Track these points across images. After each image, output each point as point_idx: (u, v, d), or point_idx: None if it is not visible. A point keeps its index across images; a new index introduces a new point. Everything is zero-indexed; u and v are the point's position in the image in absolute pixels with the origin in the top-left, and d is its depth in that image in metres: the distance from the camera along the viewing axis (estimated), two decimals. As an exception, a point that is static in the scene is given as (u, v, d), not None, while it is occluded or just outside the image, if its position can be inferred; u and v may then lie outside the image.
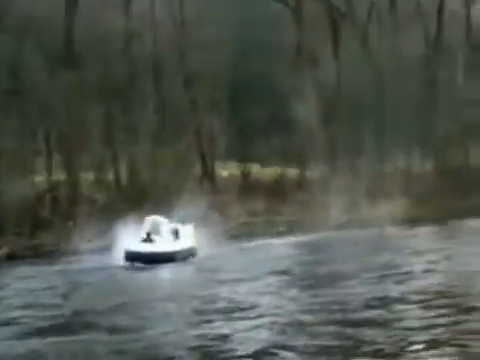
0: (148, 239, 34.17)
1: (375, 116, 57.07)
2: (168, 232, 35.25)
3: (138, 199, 48.28)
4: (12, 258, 38.25)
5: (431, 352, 15.40)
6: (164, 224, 35.28)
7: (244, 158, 56.47)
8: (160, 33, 53.09)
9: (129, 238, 34.05)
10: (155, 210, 47.04)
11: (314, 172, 56.33)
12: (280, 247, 40.33)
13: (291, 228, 48.36)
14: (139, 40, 52.60)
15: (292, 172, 56.76)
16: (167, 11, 54.51)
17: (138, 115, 51.32)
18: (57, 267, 34.79)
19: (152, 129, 51.57)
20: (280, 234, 46.92)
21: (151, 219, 35.41)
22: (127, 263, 33.25)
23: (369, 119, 56.86)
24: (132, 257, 33.16)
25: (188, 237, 36.19)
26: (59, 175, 49.23)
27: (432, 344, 16.08)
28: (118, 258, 33.56)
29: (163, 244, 34.30)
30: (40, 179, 48.90)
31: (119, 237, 35.25)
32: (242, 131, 56.57)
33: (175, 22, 54.68)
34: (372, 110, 57.34)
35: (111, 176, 50.94)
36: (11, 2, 49.34)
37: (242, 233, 47.25)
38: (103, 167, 50.89)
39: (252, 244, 42.02)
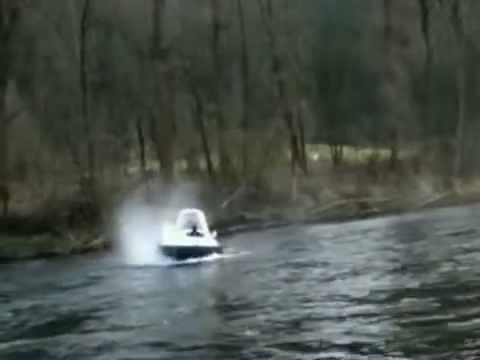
0: (195, 233, 29.99)
1: (467, 94, 55.89)
2: (205, 224, 31.14)
3: (230, 186, 48.82)
4: (107, 247, 39.01)
5: None
6: (201, 217, 31.38)
7: (334, 140, 56.27)
8: (247, 20, 53.25)
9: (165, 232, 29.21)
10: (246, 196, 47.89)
11: (406, 152, 55.62)
12: (373, 228, 39.78)
13: (384, 209, 47.95)
14: (226, 28, 52.90)
15: (384, 153, 56.20)
16: (254, -2, 54.68)
17: (226, 102, 51.75)
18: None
19: (241, 115, 51.93)
20: (373, 215, 46.54)
21: (189, 212, 31.44)
22: (170, 259, 28.05)
23: (461, 97, 55.74)
24: (181, 252, 28.23)
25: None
26: (152, 164, 50.14)
27: None
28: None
29: (209, 238, 30.21)
30: (133, 169, 49.91)
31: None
32: (332, 113, 56.36)
33: (262, 8, 54.76)
34: (464, 88, 56.17)
35: (203, 164, 51.52)
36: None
37: (334, 215, 47.27)
38: (195, 155, 51.50)
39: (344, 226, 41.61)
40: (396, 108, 53.55)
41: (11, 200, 43.11)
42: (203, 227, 30.72)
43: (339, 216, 47.13)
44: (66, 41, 49.25)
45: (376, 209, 48.70)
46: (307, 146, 55.79)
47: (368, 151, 56.14)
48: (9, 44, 47.19)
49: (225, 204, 47.39)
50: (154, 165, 50.16)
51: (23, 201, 43.61)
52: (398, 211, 46.28)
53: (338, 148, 56.38)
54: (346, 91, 58.20)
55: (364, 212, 48.17)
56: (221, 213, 46.81)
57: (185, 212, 31.45)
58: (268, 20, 54.39)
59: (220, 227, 45.52)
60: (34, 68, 48.77)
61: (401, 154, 55.34)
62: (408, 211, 45.64)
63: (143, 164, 49.98)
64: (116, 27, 51.36)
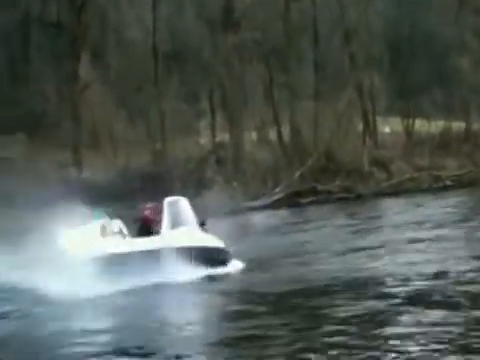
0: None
1: None
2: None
3: (301, 158, 48.59)
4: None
5: None
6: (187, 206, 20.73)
7: (406, 113, 55.38)
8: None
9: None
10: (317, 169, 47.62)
11: (480, 124, 54.52)
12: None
13: (458, 182, 47.16)
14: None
15: (457, 125, 55.14)
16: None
17: (297, 73, 51.38)
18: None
19: (312, 87, 51.53)
20: (446, 189, 45.81)
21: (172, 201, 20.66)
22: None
23: None
24: None
25: None
26: (223, 136, 50.14)
27: None
28: None
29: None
30: (204, 140, 50.00)
31: None
32: (403, 86, 55.46)
33: (333, -22, 54.08)
34: None
35: (273, 135, 51.32)
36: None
37: (406, 188, 46.68)
38: (265, 127, 51.32)
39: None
40: (469, 79, 52.41)
41: (85, 170, 43.65)
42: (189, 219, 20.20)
43: (411, 189, 46.48)
44: (138, 12, 49.50)
45: (449, 182, 47.88)
46: (378, 118, 55.03)
47: (441, 123, 55.11)
48: (82, 16, 47.65)
49: (296, 176, 47.21)
50: (224, 136, 50.10)
51: (97, 171, 44.08)
52: (472, 184, 45.45)
53: (410, 120, 55.47)
54: (418, 63, 57.12)
55: (437, 185, 47.39)
56: (292, 185, 46.74)
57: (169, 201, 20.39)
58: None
59: (291, 199, 45.87)
60: (107, 40, 49.11)
61: (475, 126, 54.25)
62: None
63: (214, 135, 49.98)
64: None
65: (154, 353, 11.93)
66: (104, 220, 19.69)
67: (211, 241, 19.40)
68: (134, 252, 18.66)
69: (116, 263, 18.34)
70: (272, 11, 51.27)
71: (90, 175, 43.41)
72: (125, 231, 19.85)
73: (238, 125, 49.57)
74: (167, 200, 19.87)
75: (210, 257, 18.84)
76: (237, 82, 49.41)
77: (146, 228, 19.91)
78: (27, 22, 47.23)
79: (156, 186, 42.12)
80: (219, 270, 18.78)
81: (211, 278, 18.41)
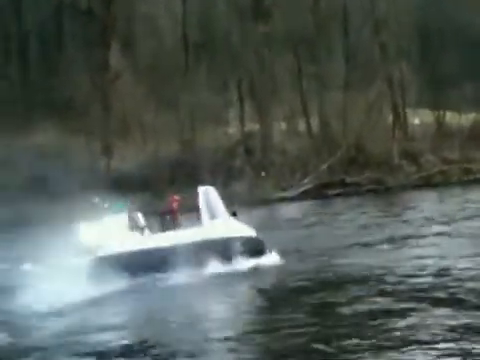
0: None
1: None
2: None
3: (329, 149, 48.37)
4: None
5: None
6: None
7: (437, 105, 54.86)
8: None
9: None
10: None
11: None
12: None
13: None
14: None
15: (488, 118, 54.57)
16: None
17: (327, 64, 51.14)
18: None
19: (342, 77, 51.26)
20: (476, 181, 45.38)
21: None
22: None
23: None
24: None
25: None
26: (251, 126, 50.02)
27: None
28: None
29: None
30: (233, 130, 49.91)
31: None
32: (434, 78, 54.93)
33: (363, -31, 53.71)
34: None
35: (302, 126, 51.12)
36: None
37: (436, 181, 46.40)
38: (294, 117, 51.12)
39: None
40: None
41: (115, 158, 43.78)
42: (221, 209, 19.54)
43: (441, 182, 46.19)
44: (168, 2, 49.48)
45: (478, 175, 47.46)
46: (408, 110, 54.61)
47: (471, 116, 54.57)
48: (112, 6, 47.72)
49: (325, 167, 47.03)
50: (253, 126, 49.98)
51: (126, 159, 44.20)
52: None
53: (440, 113, 54.98)
54: (448, 54, 56.55)
55: (467, 178, 47.00)
56: (321, 176, 46.58)
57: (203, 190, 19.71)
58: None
59: (319, 190, 45.72)
60: (137, 29, 49.13)
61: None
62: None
63: (242, 125, 49.88)
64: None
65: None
66: (131, 213, 19.27)
67: (249, 232, 19.06)
68: (181, 244, 18.20)
69: (159, 257, 18.09)
70: (302, 1, 51.02)
71: (119, 163, 43.53)
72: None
73: (267, 115, 49.46)
74: (201, 189, 19.39)
75: (251, 248, 18.64)
76: (266, 72, 49.29)
77: (172, 220, 19.65)
78: (60, 10, 47.38)
79: (185, 175, 42.25)
80: (260, 261, 18.56)
81: (255, 269, 18.30)
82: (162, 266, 17.87)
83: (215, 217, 19.17)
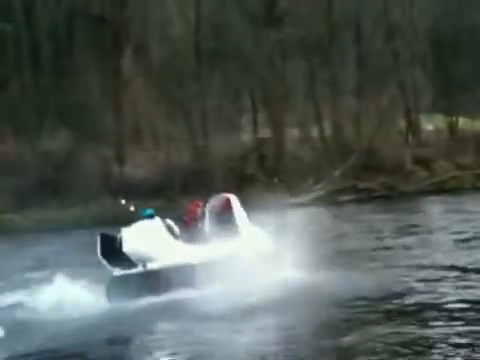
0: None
1: None
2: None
3: (342, 155, 48.30)
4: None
5: None
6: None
7: (450, 111, 54.71)
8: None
9: None
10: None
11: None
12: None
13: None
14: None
15: (501, 125, 54.43)
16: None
17: (340, 70, 51.10)
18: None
19: (354, 83, 51.22)
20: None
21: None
22: None
23: None
24: None
25: None
26: (265, 132, 50.01)
27: None
28: None
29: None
30: (246, 136, 49.91)
31: None
32: (447, 84, 54.79)
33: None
34: None
35: (315, 132, 51.07)
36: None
37: (449, 187, 46.24)
38: (307, 123, 51.08)
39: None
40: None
41: (127, 165, 43.84)
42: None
43: (454, 188, 46.03)
44: (181, 8, 49.55)
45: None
46: (421, 116, 54.49)
47: (486, 122, 54.46)
48: (125, 11, 47.84)
49: (337, 173, 46.97)
50: (266, 133, 49.97)
51: (139, 166, 44.26)
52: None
53: (453, 118, 54.84)
54: (462, 61, 56.41)
55: (480, 184, 46.91)
56: (333, 182, 46.50)
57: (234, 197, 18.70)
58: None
59: (332, 196, 45.59)
60: (149, 35, 49.21)
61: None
62: None
63: (255, 132, 49.88)
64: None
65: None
66: (167, 220, 17.96)
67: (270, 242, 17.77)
68: (242, 255, 16.79)
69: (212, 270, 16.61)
70: (315, 7, 50.96)
71: (132, 169, 43.61)
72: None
73: (280, 122, 49.45)
74: (231, 196, 18.25)
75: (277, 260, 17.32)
76: (279, 78, 49.29)
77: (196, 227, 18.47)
78: (72, 15, 47.52)
79: (197, 182, 42.27)
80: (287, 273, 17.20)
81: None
82: (226, 278, 16.43)
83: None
